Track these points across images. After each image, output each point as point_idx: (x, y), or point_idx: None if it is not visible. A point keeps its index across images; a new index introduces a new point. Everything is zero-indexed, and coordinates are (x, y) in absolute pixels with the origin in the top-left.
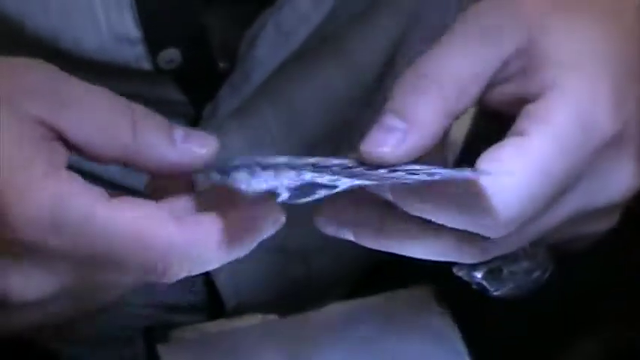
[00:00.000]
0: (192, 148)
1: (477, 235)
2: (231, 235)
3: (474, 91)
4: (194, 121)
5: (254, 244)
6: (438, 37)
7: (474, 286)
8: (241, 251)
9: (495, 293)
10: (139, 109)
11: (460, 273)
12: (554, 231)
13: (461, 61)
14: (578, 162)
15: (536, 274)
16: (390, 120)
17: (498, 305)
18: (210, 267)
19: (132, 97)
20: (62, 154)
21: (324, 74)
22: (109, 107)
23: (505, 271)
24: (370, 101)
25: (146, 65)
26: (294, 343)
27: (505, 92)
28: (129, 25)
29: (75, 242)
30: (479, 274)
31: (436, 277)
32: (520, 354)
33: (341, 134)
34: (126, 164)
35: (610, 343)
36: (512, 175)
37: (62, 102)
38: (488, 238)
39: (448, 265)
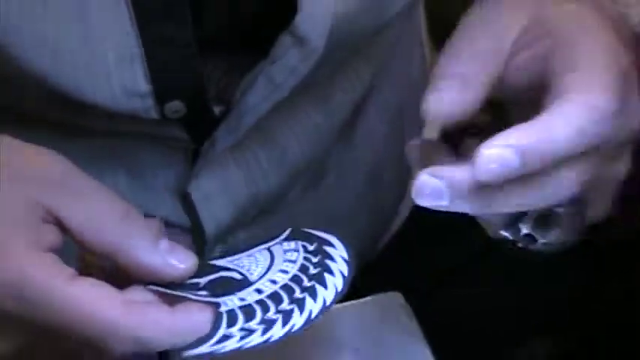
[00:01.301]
0: (173, 260)
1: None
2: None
3: (503, 56)
4: (194, 154)
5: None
6: (402, 84)
7: (520, 244)
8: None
9: (542, 242)
10: (134, 212)
11: (506, 232)
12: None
13: (485, 35)
14: (620, 72)
15: (578, 219)
16: (442, 84)
17: (460, 307)
18: (158, 349)
19: (138, 135)
20: (53, 236)
21: (305, 114)
22: (109, 205)
23: (551, 214)
24: (341, 137)
25: (154, 115)
26: (275, 346)
27: (525, 57)
28: (139, 80)
29: (31, 313)
30: (525, 227)
31: (402, 286)
32: (478, 350)
33: (320, 161)
34: (111, 258)
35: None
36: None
37: (68, 193)
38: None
39: (416, 276)
